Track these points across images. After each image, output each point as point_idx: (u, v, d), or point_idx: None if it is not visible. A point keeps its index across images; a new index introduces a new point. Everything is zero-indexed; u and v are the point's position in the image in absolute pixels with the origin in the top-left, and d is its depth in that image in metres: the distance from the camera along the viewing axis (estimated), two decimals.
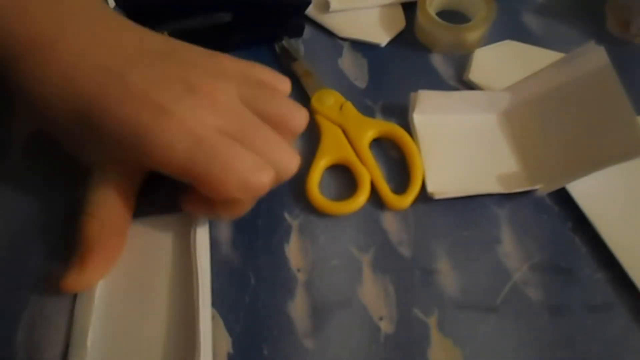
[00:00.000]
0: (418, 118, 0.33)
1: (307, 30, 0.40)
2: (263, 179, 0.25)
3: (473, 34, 0.37)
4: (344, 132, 0.33)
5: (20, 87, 0.26)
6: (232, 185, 0.24)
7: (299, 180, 0.32)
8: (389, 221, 0.30)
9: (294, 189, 0.31)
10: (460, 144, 0.33)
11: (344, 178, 0.32)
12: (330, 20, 0.40)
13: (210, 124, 0.25)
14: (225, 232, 0.30)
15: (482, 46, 0.38)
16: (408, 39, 0.39)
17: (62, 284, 0.26)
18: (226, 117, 0.25)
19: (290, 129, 0.28)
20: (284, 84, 0.29)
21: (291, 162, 0.27)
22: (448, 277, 0.29)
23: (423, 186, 0.31)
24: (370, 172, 0.31)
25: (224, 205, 0.27)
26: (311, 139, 0.33)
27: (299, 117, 0.28)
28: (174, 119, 0.24)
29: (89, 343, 0.25)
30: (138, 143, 0.24)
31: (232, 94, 0.26)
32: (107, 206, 0.27)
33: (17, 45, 0.25)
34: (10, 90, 0.26)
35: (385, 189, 0.31)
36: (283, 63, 0.37)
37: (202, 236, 0.28)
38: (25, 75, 0.25)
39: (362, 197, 0.31)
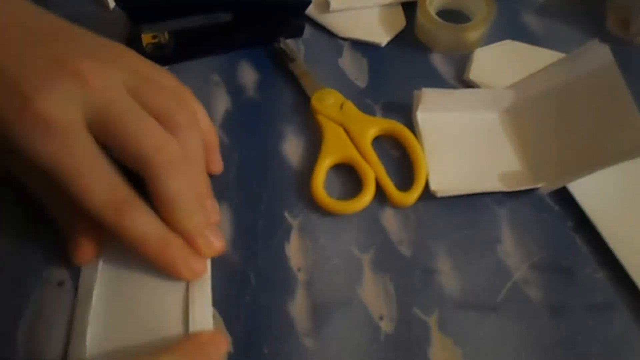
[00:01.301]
0: (421, 116, 0.33)
1: (307, 30, 0.40)
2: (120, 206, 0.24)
3: (473, 34, 0.37)
4: (346, 131, 0.33)
5: None
6: (96, 200, 0.24)
7: (300, 179, 0.32)
8: (389, 221, 0.30)
9: (294, 189, 0.31)
10: (464, 142, 0.33)
11: (346, 177, 0.32)
12: (330, 20, 0.40)
13: (74, 115, 0.23)
14: (225, 232, 0.30)
15: (482, 46, 0.38)
16: (408, 39, 0.39)
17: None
18: (98, 104, 0.24)
19: (176, 123, 0.26)
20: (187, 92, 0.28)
21: (160, 155, 0.25)
22: (448, 277, 0.29)
23: (425, 184, 0.31)
24: (375, 170, 0.31)
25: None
26: (314, 139, 0.33)
27: (187, 112, 0.27)
28: (35, 111, 0.22)
29: (87, 340, 0.25)
30: (7, 140, 0.23)
31: (116, 80, 0.25)
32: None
33: None
34: None
35: (390, 186, 0.31)
36: (281, 64, 0.37)
37: None
38: None
39: (368, 195, 0.31)
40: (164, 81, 0.27)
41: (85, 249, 0.27)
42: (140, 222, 0.25)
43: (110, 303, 0.27)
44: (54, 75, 0.23)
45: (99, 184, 0.24)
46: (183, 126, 0.26)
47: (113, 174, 0.24)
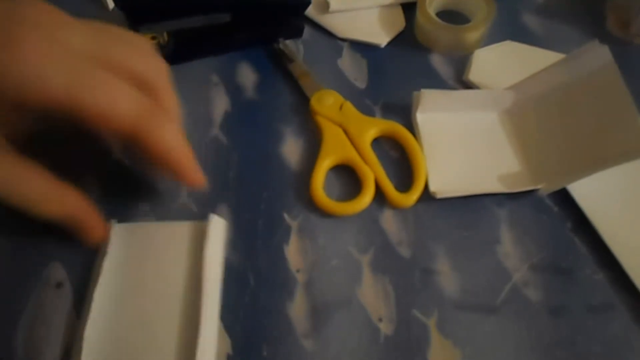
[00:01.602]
0: (421, 117, 0.33)
1: (307, 31, 0.40)
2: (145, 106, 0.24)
3: (473, 34, 0.37)
4: (345, 131, 0.33)
5: None
6: (124, 111, 0.23)
7: (300, 181, 0.32)
8: (388, 222, 0.30)
9: (293, 190, 0.31)
10: (463, 143, 0.33)
11: (346, 178, 0.32)
12: (329, 21, 0.40)
13: (77, 44, 0.23)
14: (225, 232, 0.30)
15: (482, 46, 0.38)
16: (408, 40, 0.39)
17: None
18: (88, 33, 0.23)
19: (155, 86, 0.26)
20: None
21: (159, 71, 0.26)
22: (448, 278, 0.28)
23: (425, 185, 0.31)
24: (374, 171, 0.31)
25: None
26: (313, 140, 0.33)
27: (164, 74, 0.27)
28: (23, 51, 0.21)
29: (84, 343, 0.25)
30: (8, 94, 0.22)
31: (78, 48, 0.23)
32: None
33: None
34: None
35: (389, 187, 0.31)
36: (280, 65, 0.37)
37: (215, 245, 0.28)
38: None
39: (367, 196, 0.31)
40: (125, 36, 0.26)
41: (95, 227, 0.28)
42: (170, 130, 0.25)
43: (111, 306, 0.26)
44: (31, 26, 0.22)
45: (121, 95, 0.23)
46: (163, 88, 0.26)
47: (129, 86, 0.24)
